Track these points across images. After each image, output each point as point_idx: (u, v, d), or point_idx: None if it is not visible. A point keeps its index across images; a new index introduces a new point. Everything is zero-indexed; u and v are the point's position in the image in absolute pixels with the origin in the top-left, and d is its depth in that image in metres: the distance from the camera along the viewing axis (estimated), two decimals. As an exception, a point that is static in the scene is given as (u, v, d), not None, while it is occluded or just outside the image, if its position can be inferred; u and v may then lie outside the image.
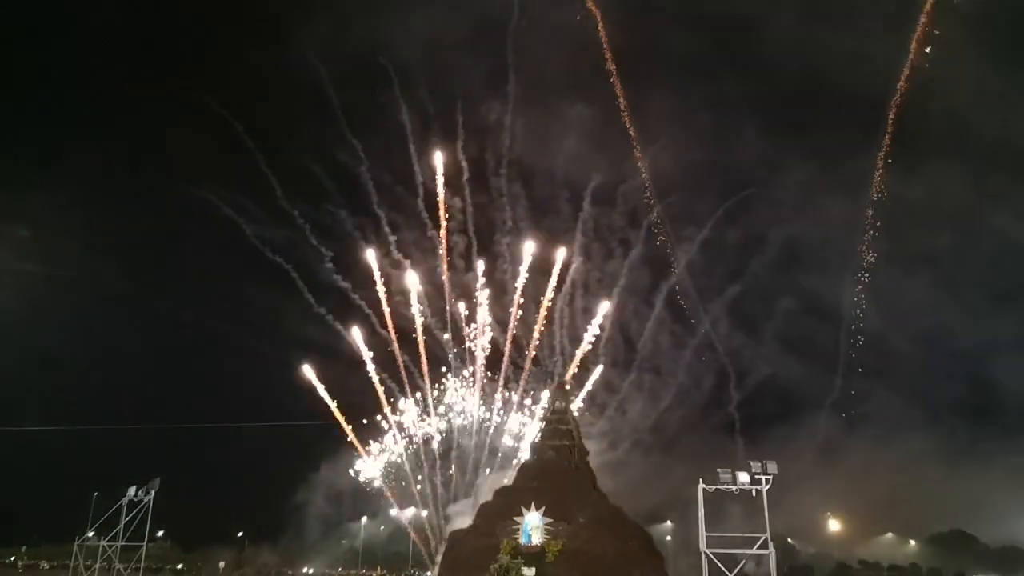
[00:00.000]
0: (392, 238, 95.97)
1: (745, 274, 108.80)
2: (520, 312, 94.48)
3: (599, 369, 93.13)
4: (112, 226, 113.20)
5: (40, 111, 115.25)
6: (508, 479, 71.16)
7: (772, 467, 44.64)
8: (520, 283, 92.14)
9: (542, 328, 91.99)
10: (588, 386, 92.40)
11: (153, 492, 54.66)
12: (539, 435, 65.93)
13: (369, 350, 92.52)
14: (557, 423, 64.64)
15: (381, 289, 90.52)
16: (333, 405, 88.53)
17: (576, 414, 70.51)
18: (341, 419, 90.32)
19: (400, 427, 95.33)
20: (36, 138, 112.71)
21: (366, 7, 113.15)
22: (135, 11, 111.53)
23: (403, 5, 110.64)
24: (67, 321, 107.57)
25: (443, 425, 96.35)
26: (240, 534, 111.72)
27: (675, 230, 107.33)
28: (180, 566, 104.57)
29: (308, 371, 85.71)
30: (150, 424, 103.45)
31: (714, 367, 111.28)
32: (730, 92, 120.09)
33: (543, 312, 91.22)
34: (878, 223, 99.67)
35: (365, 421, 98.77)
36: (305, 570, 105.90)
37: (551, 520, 54.22)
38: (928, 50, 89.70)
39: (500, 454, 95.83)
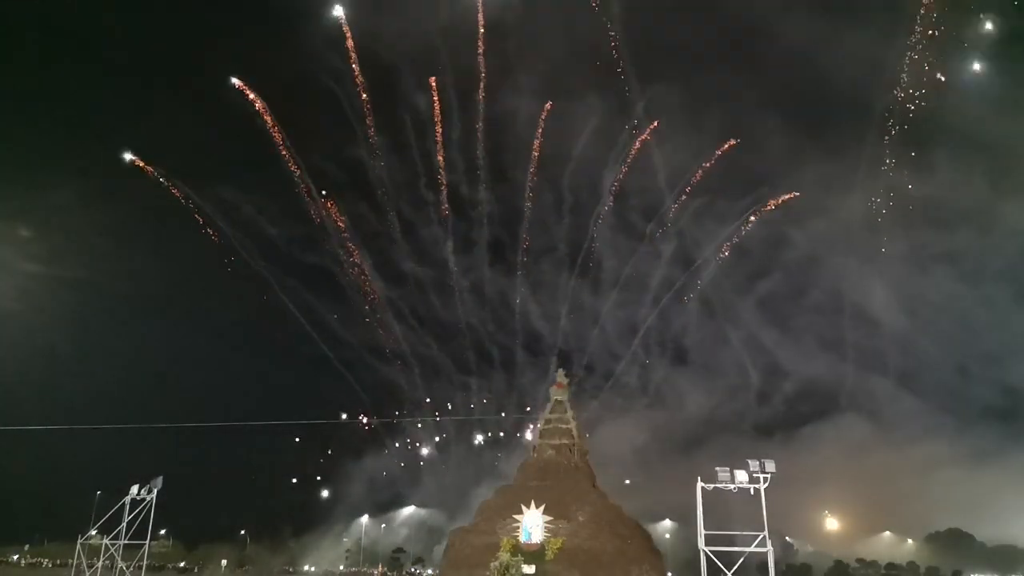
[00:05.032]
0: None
1: (768, 273, 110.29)
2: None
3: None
4: (116, 226, 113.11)
5: (52, 111, 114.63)
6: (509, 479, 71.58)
7: (770, 466, 44.76)
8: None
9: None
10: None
11: (156, 491, 54.69)
12: (539, 434, 66.24)
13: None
14: (557, 422, 64.94)
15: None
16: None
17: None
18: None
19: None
20: (44, 137, 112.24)
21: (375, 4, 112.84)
22: (144, 9, 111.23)
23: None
24: (68, 320, 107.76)
25: None
26: (242, 532, 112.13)
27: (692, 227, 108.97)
28: (183, 564, 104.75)
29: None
30: (153, 423, 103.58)
31: (736, 367, 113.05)
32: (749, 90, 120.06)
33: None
34: (897, 222, 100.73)
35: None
36: (307, 568, 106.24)
37: (551, 518, 54.55)
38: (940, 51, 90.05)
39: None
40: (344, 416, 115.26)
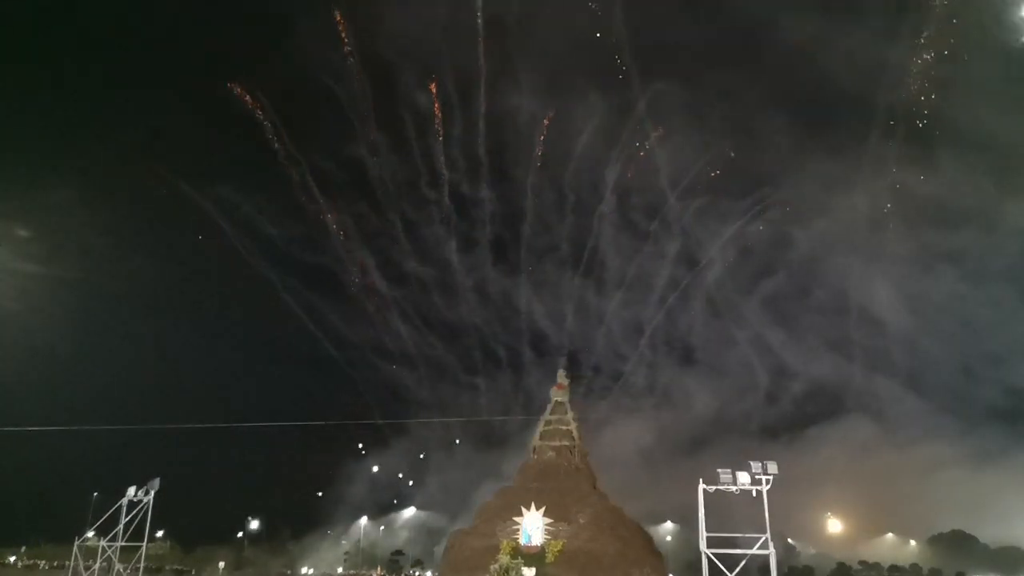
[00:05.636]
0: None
1: (772, 272, 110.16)
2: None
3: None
4: (116, 226, 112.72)
5: (51, 110, 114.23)
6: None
7: (772, 467, 44.33)
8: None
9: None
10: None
11: (153, 492, 54.31)
12: (539, 435, 65.82)
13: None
14: (557, 423, 64.58)
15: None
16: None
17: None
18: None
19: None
20: (44, 137, 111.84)
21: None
22: (144, 9, 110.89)
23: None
24: (68, 320, 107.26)
25: None
26: (240, 534, 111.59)
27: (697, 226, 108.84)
28: (180, 566, 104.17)
29: None
30: (151, 424, 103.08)
31: (742, 367, 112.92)
32: (751, 89, 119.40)
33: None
34: (900, 222, 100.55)
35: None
36: (305, 570, 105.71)
37: (551, 520, 54.18)
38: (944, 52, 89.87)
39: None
40: (344, 417, 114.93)
